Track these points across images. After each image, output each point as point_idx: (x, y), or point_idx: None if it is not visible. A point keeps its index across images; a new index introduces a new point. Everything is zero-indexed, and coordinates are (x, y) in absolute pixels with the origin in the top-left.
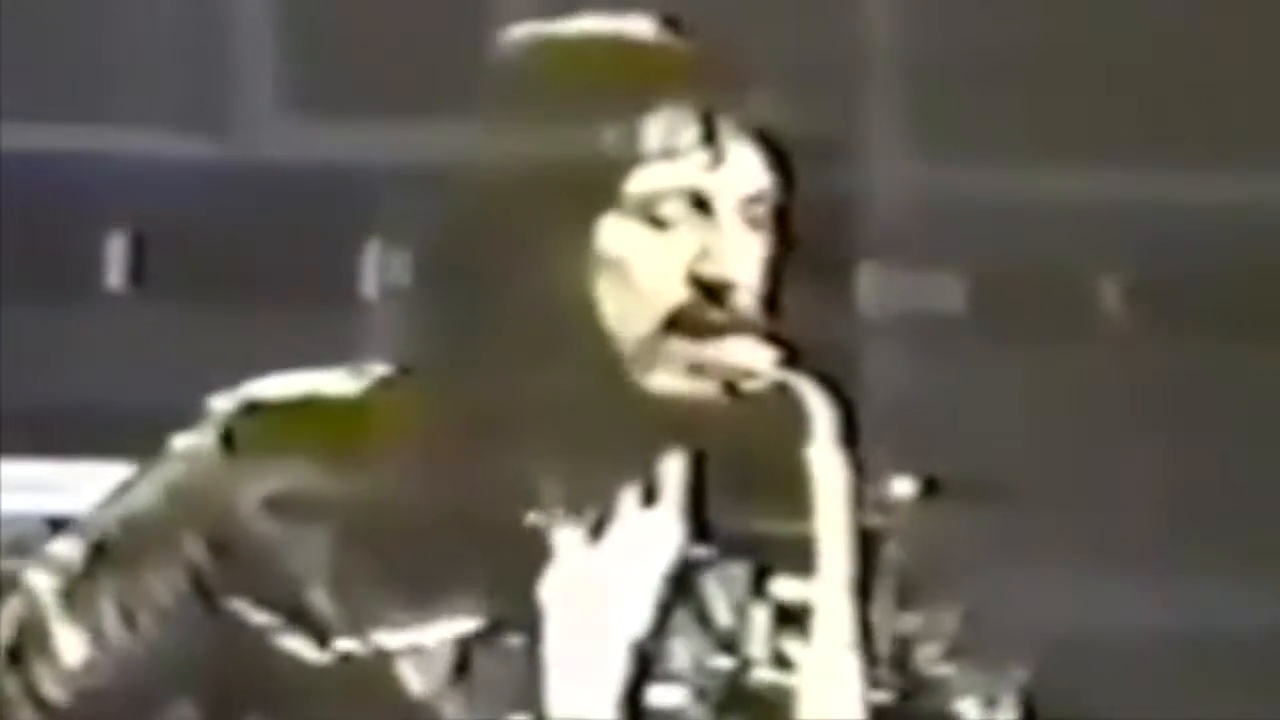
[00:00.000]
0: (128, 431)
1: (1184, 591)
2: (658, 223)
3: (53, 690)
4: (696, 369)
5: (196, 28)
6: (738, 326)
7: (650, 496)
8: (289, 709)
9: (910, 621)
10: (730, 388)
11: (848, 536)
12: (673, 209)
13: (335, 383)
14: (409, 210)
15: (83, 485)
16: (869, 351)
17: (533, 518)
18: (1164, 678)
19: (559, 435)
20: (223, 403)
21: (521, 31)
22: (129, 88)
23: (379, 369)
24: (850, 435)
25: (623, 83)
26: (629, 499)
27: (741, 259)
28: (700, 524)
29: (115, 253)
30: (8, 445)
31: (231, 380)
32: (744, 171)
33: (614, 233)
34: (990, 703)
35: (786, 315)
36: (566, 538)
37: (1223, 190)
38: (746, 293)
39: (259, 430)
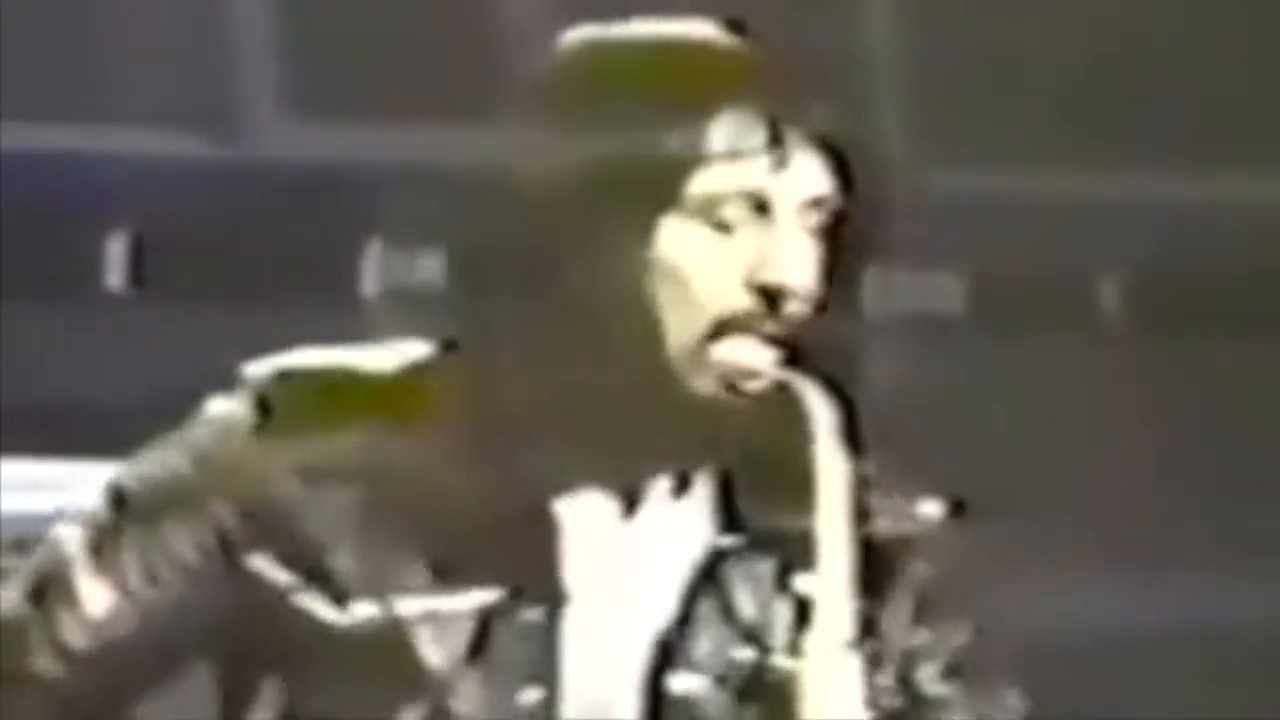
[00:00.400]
0: (127, 431)
1: (1183, 590)
2: (719, 226)
3: (75, 638)
4: (744, 375)
5: (197, 29)
6: (789, 335)
7: (682, 486)
8: (305, 671)
9: (917, 638)
10: (731, 388)
11: (848, 536)
12: (734, 212)
13: (372, 358)
14: (409, 210)
15: (83, 485)
16: (869, 351)
17: (562, 502)
18: (1164, 678)
19: (597, 429)
20: (257, 369)
21: (578, 34)
22: (129, 88)
23: (419, 348)
24: (851, 435)
25: (686, 84)
26: (661, 487)
27: (800, 265)
28: (730, 516)
29: (115, 253)
30: (8, 445)
31: (231, 380)
32: (806, 176)
33: (674, 234)
34: None
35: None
36: (595, 515)
37: (1223, 190)
38: (804, 300)
39: (292, 398)
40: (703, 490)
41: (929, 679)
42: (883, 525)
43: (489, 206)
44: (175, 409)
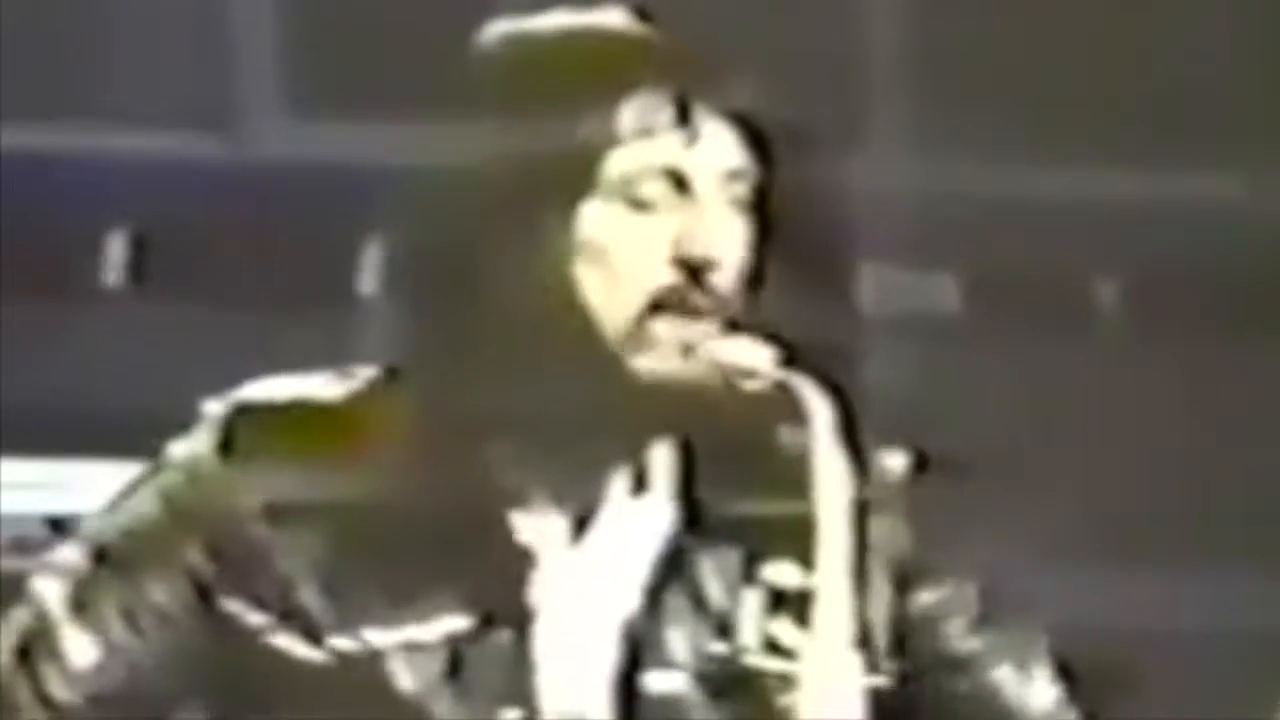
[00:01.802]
0: (127, 431)
1: (1182, 588)
2: (638, 204)
3: (62, 692)
4: (688, 350)
5: (197, 28)
6: (720, 307)
7: (640, 482)
8: (286, 709)
9: (928, 599)
10: (730, 386)
11: (848, 536)
12: (652, 189)
13: (323, 386)
14: (408, 210)
15: (82, 485)
16: (869, 351)
17: (518, 519)
18: (1163, 678)
19: (548, 427)
20: (216, 407)
21: (496, 28)
22: (130, 87)
23: (367, 371)
24: (850, 435)
25: (597, 72)
26: (619, 485)
27: (724, 238)
28: (690, 507)
29: (115, 253)
30: (7, 445)
31: (231, 380)
32: (720, 150)
33: (595, 218)
34: (1023, 667)
35: (786, 315)
36: (552, 532)
37: (1221, 190)
38: (730, 272)
39: (252, 435)
40: (662, 484)
41: (957, 635)
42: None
43: (421, 207)
44: (174, 408)
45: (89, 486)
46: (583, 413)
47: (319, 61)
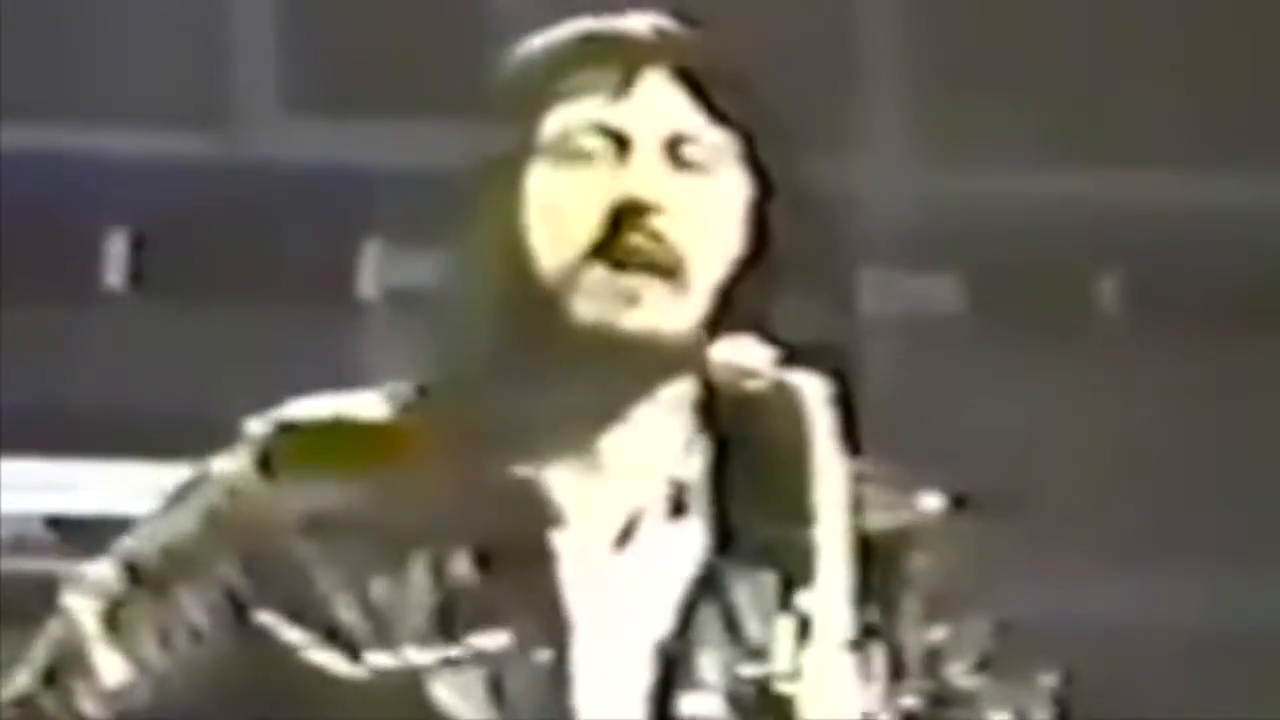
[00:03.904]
0: (127, 431)
1: (1180, 587)
2: (576, 157)
3: (92, 709)
4: (619, 297)
5: (196, 28)
6: (655, 251)
7: (677, 505)
8: None
9: (939, 633)
10: (732, 387)
11: (847, 536)
12: (589, 143)
13: (366, 405)
14: (409, 210)
15: (82, 485)
16: (869, 351)
17: (556, 537)
18: (1161, 678)
19: (525, 403)
20: (257, 425)
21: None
22: (129, 87)
23: (405, 389)
24: (850, 435)
25: (568, 66)
26: (656, 510)
27: (662, 191)
28: (725, 531)
29: (115, 252)
30: (8, 444)
31: (230, 379)
32: (663, 110)
33: (538, 178)
34: (1022, 715)
35: (786, 316)
36: (590, 551)
37: (1222, 190)
38: (676, 227)
39: (293, 453)
40: (698, 507)
41: (959, 674)
42: (882, 520)
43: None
44: (174, 408)
45: (89, 486)
46: (534, 363)
47: (319, 62)
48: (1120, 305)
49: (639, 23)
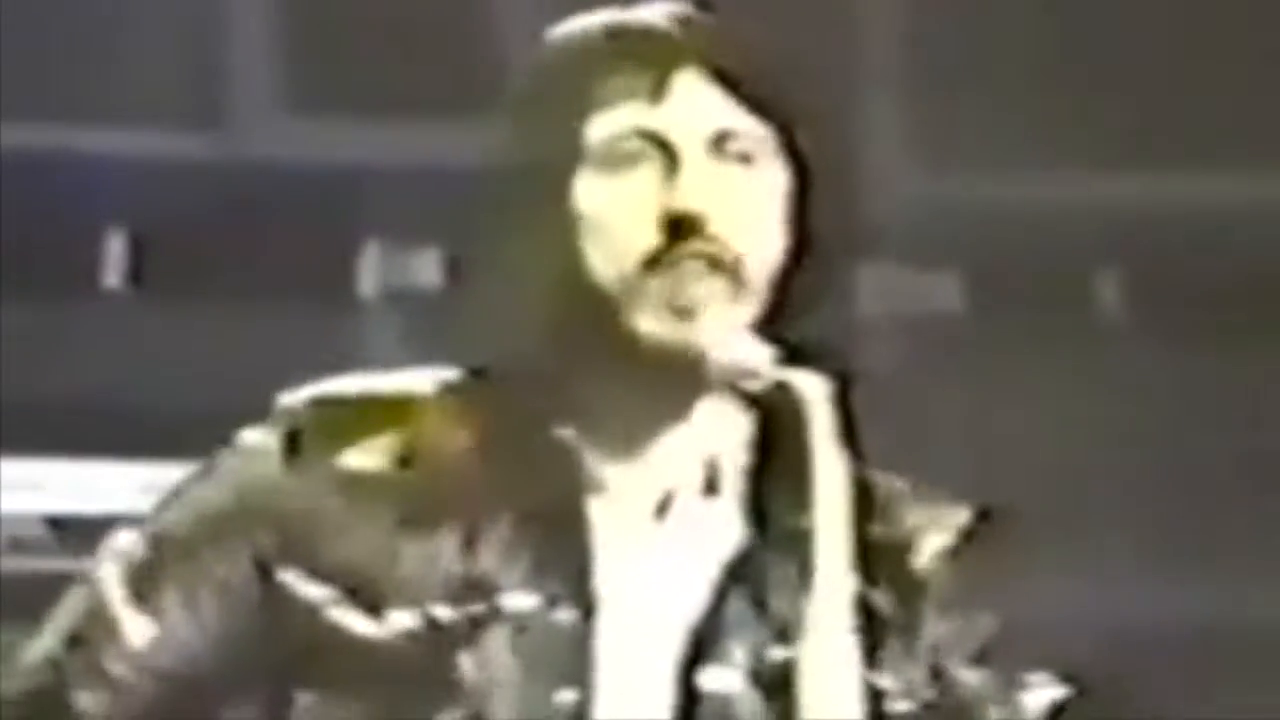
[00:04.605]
0: (127, 430)
1: (1180, 587)
2: (623, 162)
3: (118, 669)
4: (680, 311)
5: (195, 28)
6: (713, 253)
7: (711, 486)
8: (343, 683)
9: (941, 628)
10: (733, 388)
11: (846, 533)
12: (634, 149)
13: (410, 382)
14: (408, 210)
15: (82, 485)
16: (869, 351)
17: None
18: (1160, 678)
19: (580, 395)
20: (290, 400)
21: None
22: (128, 87)
23: (448, 372)
24: (849, 434)
25: (597, 64)
26: (691, 487)
27: (713, 193)
28: (760, 515)
29: (114, 253)
30: (8, 444)
31: (230, 379)
32: (702, 110)
33: (585, 187)
34: (1022, 714)
35: (786, 316)
36: (625, 521)
37: (1223, 190)
38: (730, 227)
39: (325, 424)
40: (732, 489)
41: (960, 671)
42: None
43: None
44: (173, 408)
45: (89, 486)
46: (597, 374)
47: (317, 61)
48: (1120, 305)
49: (658, 13)
